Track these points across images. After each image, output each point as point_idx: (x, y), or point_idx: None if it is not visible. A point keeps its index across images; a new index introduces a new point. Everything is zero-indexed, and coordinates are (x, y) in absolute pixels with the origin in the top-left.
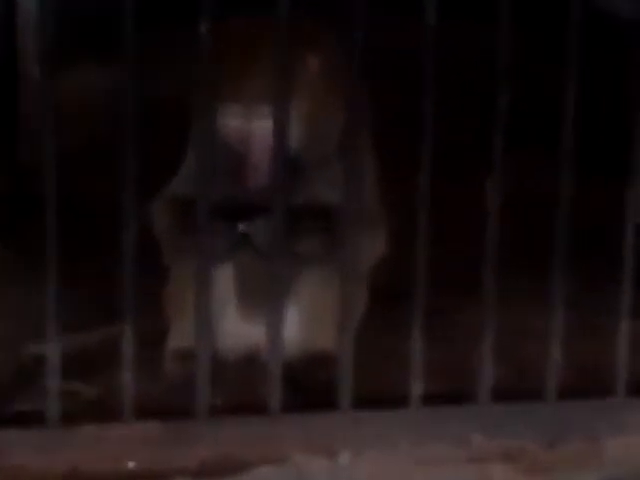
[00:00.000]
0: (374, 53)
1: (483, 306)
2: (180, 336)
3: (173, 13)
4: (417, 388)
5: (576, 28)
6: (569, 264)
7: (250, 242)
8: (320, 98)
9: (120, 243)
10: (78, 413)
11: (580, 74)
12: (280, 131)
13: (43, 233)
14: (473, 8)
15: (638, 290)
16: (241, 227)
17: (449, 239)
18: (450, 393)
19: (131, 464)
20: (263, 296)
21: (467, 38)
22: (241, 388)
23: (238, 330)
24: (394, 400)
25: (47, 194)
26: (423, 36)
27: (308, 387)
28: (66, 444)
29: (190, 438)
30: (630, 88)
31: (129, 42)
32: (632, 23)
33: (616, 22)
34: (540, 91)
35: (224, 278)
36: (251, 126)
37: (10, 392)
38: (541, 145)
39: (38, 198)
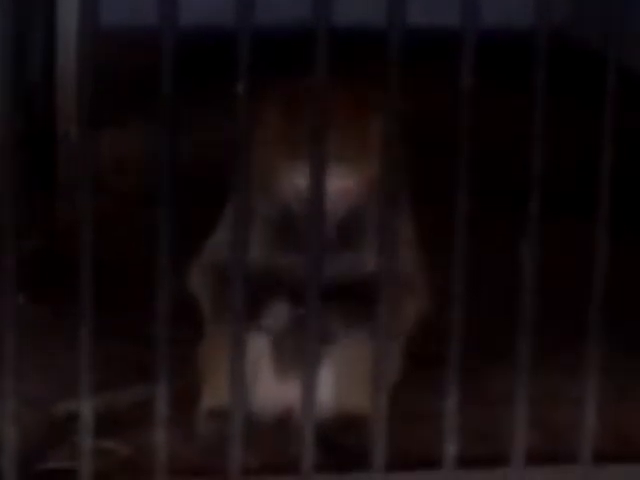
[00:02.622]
0: (410, 115)
1: (517, 369)
2: (214, 395)
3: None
4: (451, 450)
5: (612, 93)
6: (603, 327)
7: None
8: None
9: (154, 301)
10: (111, 472)
11: (616, 138)
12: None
13: (77, 292)
14: (507, 72)
15: None
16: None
17: (483, 302)
18: (484, 456)
19: None
20: (297, 356)
21: (501, 102)
22: (274, 448)
23: (272, 390)
24: (427, 462)
25: (82, 253)
26: (458, 100)
27: (341, 448)
28: None
29: None
30: None
31: (166, 102)
32: None
33: None
34: (575, 156)
35: (258, 338)
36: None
37: (43, 450)
38: (576, 211)
39: (73, 258)
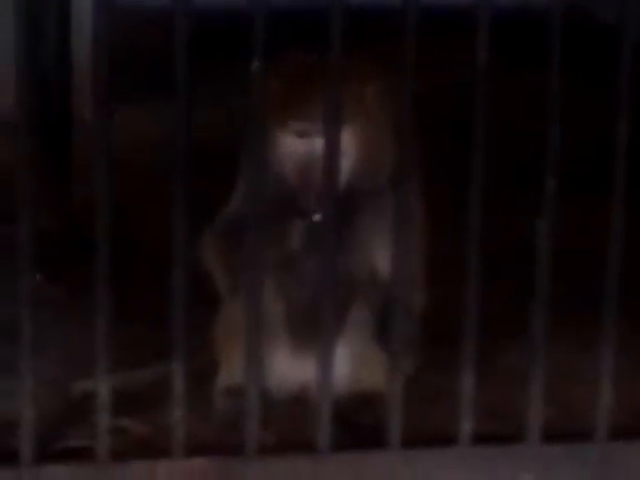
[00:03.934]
0: (425, 92)
1: (532, 347)
2: (230, 374)
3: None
4: (467, 427)
5: (626, 68)
6: (619, 304)
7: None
8: (376, 129)
9: (171, 280)
10: (127, 450)
11: (631, 114)
12: (332, 155)
13: (94, 271)
14: (523, 48)
15: None
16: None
17: (499, 280)
18: (500, 433)
19: None
20: (313, 334)
21: (518, 79)
22: (290, 426)
23: (288, 368)
24: (444, 439)
25: (100, 232)
26: (474, 77)
27: (358, 426)
28: None
29: (239, 476)
30: None
31: (181, 83)
32: None
33: None
34: (592, 133)
35: (274, 316)
36: (310, 148)
37: (60, 428)
38: (592, 186)
39: (90, 236)
